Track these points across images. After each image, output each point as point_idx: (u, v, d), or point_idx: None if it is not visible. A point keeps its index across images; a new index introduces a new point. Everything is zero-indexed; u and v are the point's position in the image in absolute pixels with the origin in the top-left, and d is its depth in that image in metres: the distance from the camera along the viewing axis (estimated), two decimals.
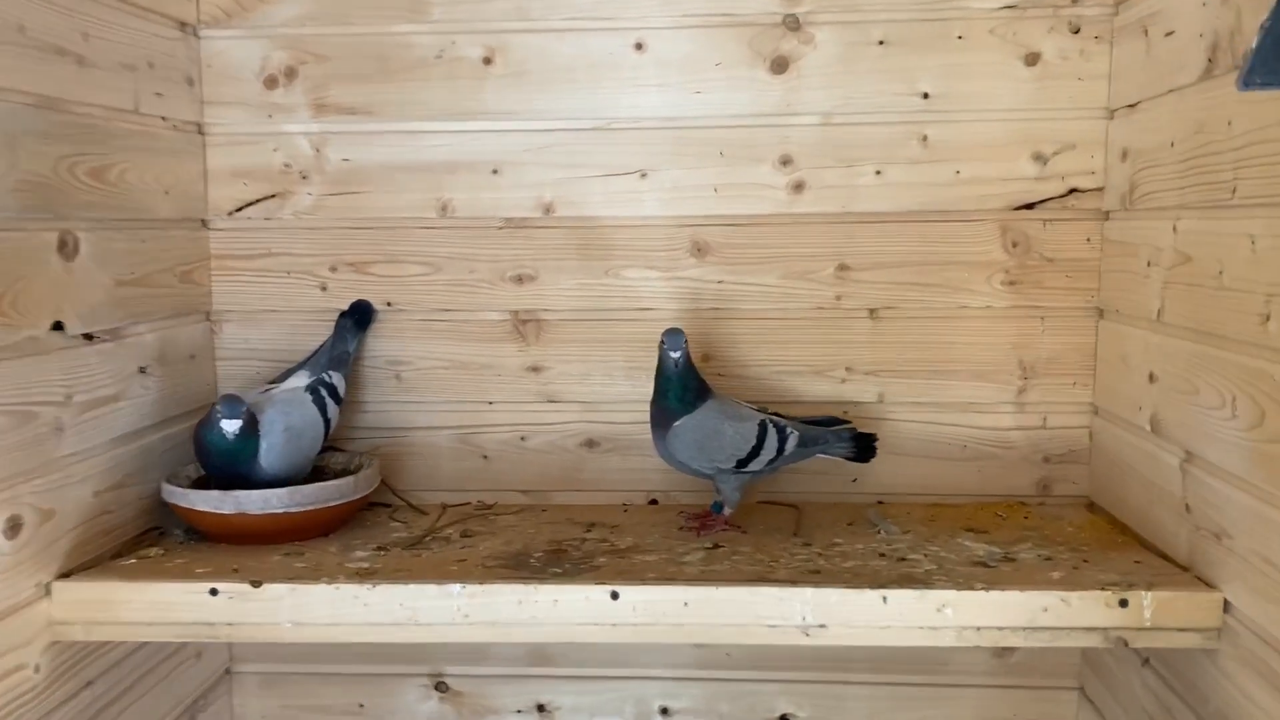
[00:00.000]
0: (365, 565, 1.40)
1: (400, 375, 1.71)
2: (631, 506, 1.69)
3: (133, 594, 1.32)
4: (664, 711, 1.74)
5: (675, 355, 1.47)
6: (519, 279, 1.68)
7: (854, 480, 1.68)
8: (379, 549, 1.48)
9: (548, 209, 1.66)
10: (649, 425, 1.55)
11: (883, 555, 1.41)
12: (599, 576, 1.32)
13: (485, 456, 1.71)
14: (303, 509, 1.47)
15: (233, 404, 1.47)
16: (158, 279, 1.56)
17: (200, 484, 1.55)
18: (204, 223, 1.70)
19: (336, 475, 1.63)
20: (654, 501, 1.70)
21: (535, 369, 1.68)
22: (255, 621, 1.31)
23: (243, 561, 1.41)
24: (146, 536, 1.52)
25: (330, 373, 1.64)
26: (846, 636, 1.26)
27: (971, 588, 1.26)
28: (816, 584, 1.27)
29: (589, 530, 1.56)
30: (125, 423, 1.48)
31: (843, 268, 1.64)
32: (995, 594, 1.24)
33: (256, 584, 1.31)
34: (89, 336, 1.40)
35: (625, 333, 1.67)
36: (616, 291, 1.67)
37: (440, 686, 1.76)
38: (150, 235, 1.54)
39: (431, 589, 1.30)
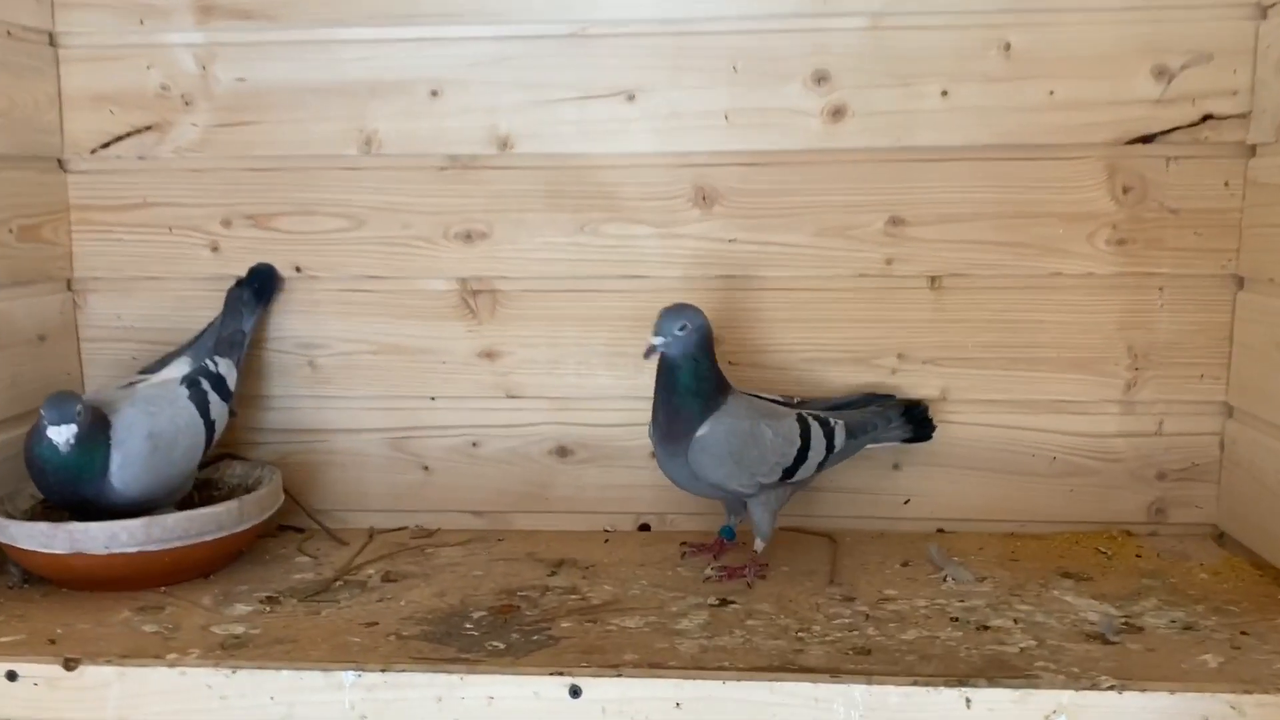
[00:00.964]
0: (238, 630, 1.01)
1: (315, 362, 1.32)
2: (615, 534, 1.30)
3: None
4: None
5: (680, 337, 1.09)
6: (468, 236, 1.28)
7: (906, 502, 1.28)
8: (268, 600, 1.09)
9: (504, 143, 1.26)
10: (645, 432, 1.16)
11: (955, 620, 1.02)
12: (557, 656, 0.94)
13: (426, 468, 1.32)
14: (165, 547, 1.08)
15: (62, 404, 1.08)
16: None
17: (47, 509, 1.17)
18: (60, 163, 1.30)
19: (228, 495, 1.25)
20: (645, 527, 1.31)
21: (490, 354, 1.29)
22: (69, 719, 0.93)
23: (76, 620, 1.03)
24: None
25: (217, 359, 1.24)
26: None
27: (1094, 683, 0.86)
28: (867, 675, 0.88)
29: (555, 572, 1.17)
30: None
31: (895, 221, 1.23)
32: (1133, 696, 0.85)
33: (71, 664, 0.93)
34: None
35: (607, 307, 1.28)
36: (595, 253, 1.27)
37: None
38: None
39: (315, 678, 0.91)
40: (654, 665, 0.91)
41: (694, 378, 1.09)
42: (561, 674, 0.89)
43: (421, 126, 1.26)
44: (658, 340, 1.09)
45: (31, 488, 1.18)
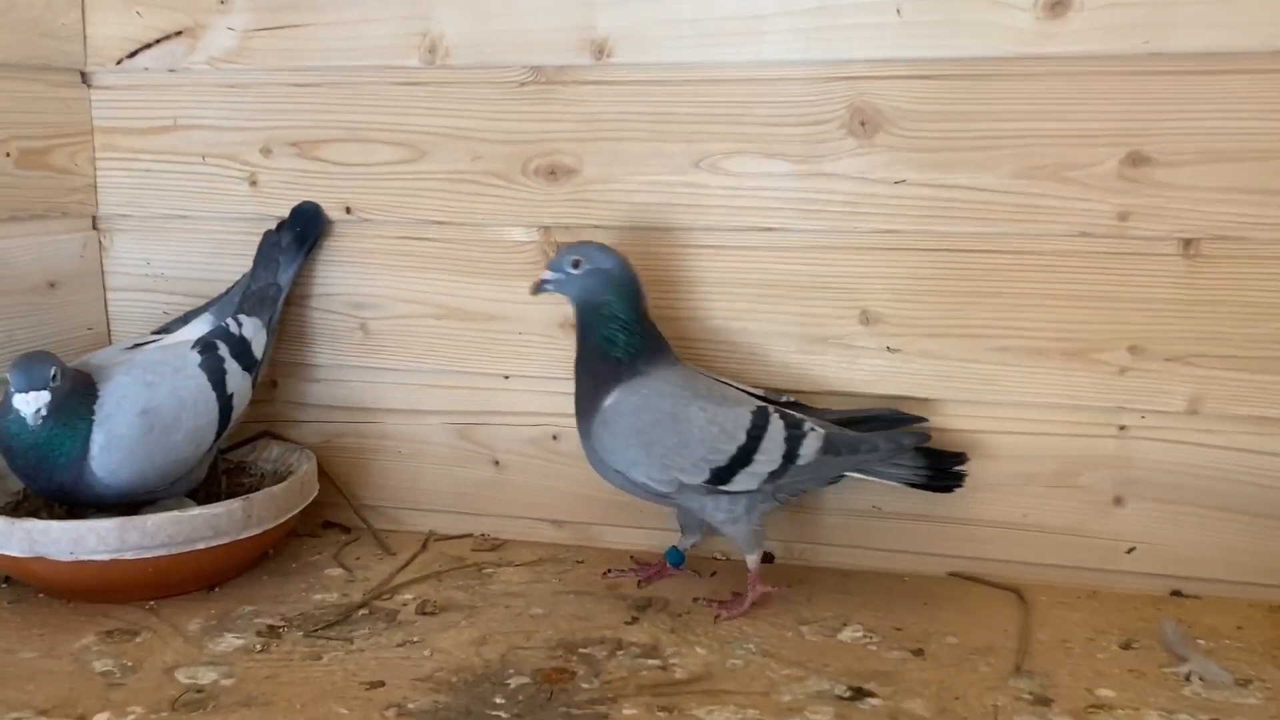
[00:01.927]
0: (206, 680, 0.77)
1: (367, 326, 1.07)
2: (727, 562, 1.00)
3: None
4: None
5: (574, 276, 0.88)
6: (551, 172, 0.99)
7: (1130, 550, 0.93)
8: (268, 630, 0.85)
9: (600, 50, 0.96)
10: None
11: None
12: None
13: (496, 463, 1.05)
14: (144, 555, 0.85)
15: (34, 367, 0.86)
16: None
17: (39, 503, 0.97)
18: (83, 76, 1.08)
19: (258, 483, 1.02)
20: (768, 557, 1.01)
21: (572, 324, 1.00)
22: None
23: (21, 648, 0.82)
24: None
25: (241, 318, 1.00)
26: None
27: None
28: None
29: (636, 618, 0.88)
30: None
31: (1136, 160, 0.87)
32: None
33: None
34: None
35: (727, 269, 0.97)
36: (715, 196, 0.96)
37: None
38: None
39: None
40: None
41: (603, 333, 0.88)
42: None
43: (497, 29, 0.98)
44: (545, 275, 0.89)
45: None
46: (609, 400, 0.88)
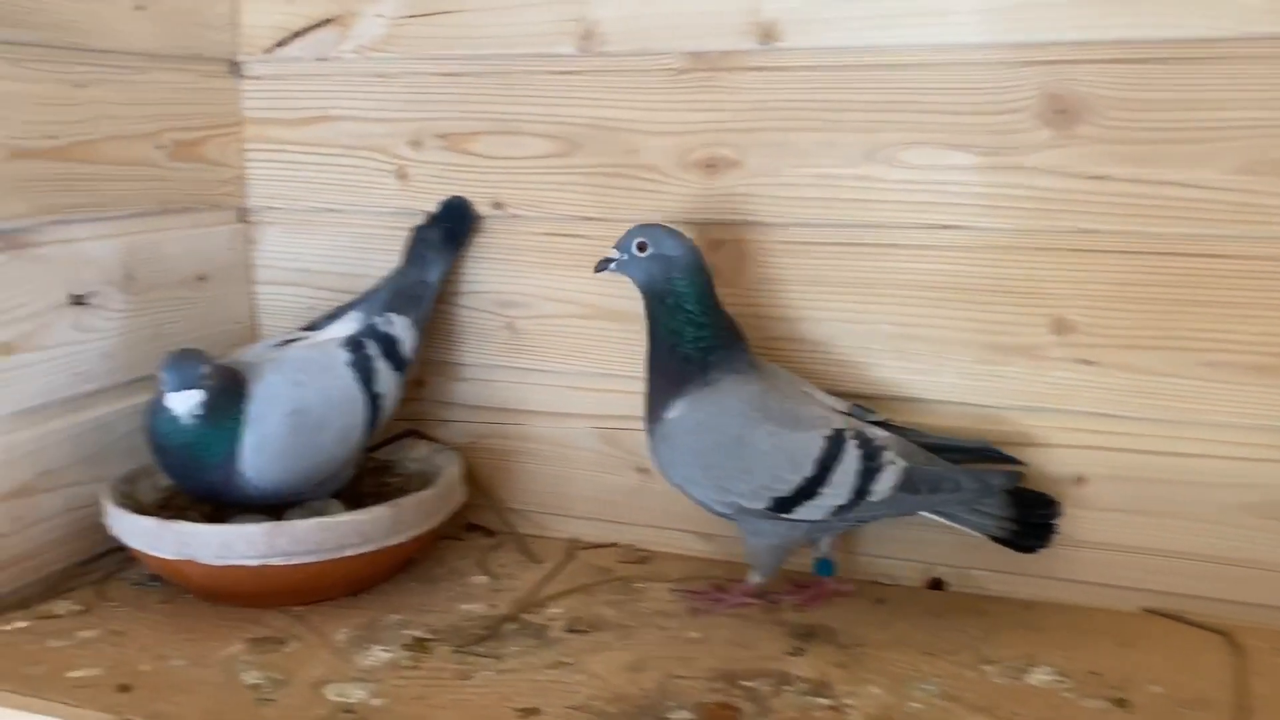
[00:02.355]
0: (359, 695, 0.74)
1: (515, 325, 1.03)
2: (895, 593, 0.93)
3: None
4: None
5: (639, 259, 0.84)
6: (711, 165, 0.93)
7: None
8: (416, 643, 0.82)
9: (768, 34, 0.90)
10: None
11: None
12: None
13: (643, 470, 1.00)
14: (292, 561, 0.83)
15: (185, 365, 0.84)
16: (118, 150, 0.95)
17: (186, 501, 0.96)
18: (233, 65, 1.07)
19: (404, 485, 0.99)
20: (937, 584, 0.94)
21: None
22: None
23: (173, 652, 0.80)
24: (95, 567, 0.94)
25: (390, 316, 0.97)
26: None
27: None
28: None
29: (800, 649, 0.82)
30: (35, 388, 0.89)
31: None
32: None
33: None
34: None
35: (901, 270, 0.90)
36: (891, 191, 0.89)
37: None
38: (101, 75, 0.93)
39: None
40: None
41: (669, 325, 0.83)
42: None
43: (656, 13, 0.93)
44: (610, 254, 0.85)
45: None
46: (673, 412, 0.83)
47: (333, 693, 0.75)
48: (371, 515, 0.86)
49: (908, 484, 0.82)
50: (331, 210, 1.07)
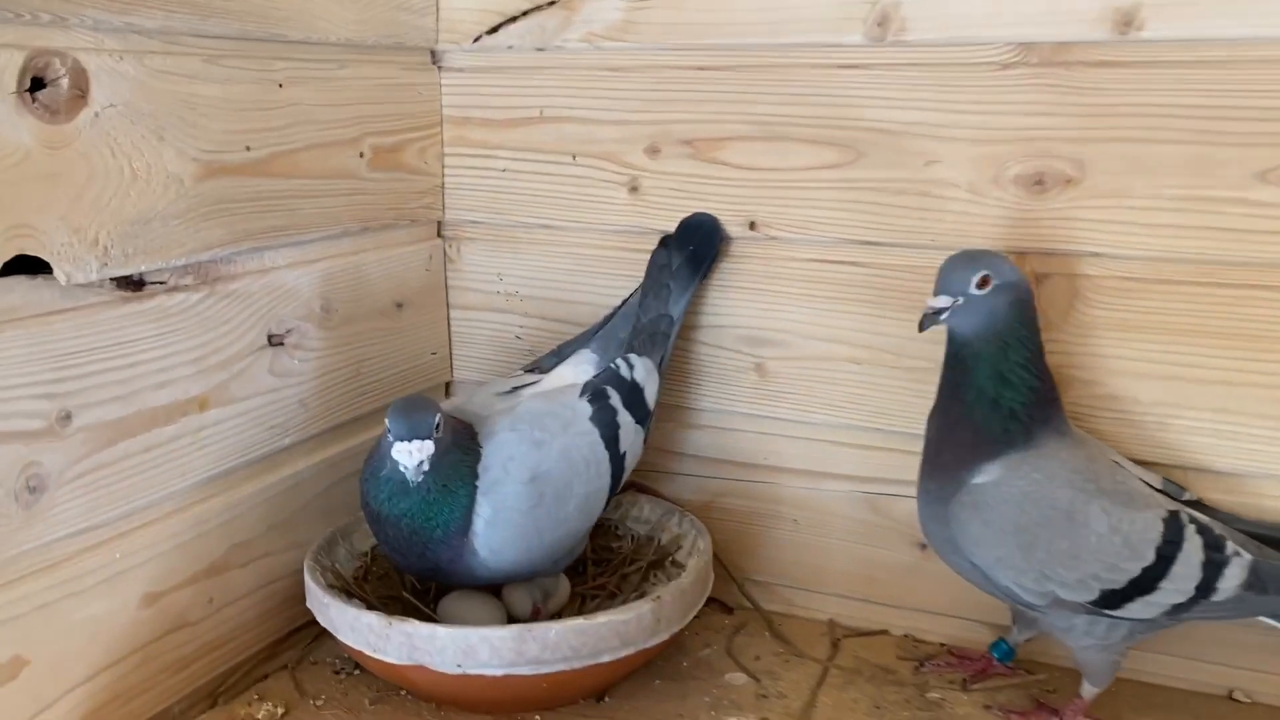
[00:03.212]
0: None
1: (765, 367, 0.87)
2: (1262, 708, 0.75)
3: None
4: None
5: (976, 298, 0.68)
6: (1038, 182, 0.76)
7: None
8: None
9: (1127, 21, 0.72)
10: None
11: None
12: None
13: (923, 546, 0.83)
14: (542, 671, 0.68)
15: (414, 414, 0.69)
16: (318, 161, 0.80)
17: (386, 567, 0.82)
18: (433, 55, 0.92)
19: (633, 553, 0.84)
20: (1233, 697, 0.76)
21: (1059, 381, 0.76)
22: None
23: None
24: (285, 647, 0.81)
25: (633, 358, 0.82)
26: None
27: None
28: None
29: None
30: (226, 449, 0.75)
31: None
32: None
33: None
34: (131, 282, 0.66)
35: (1273, 319, 0.71)
36: (1275, 221, 0.70)
37: None
38: (301, 72, 0.78)
39: None
40: None
41: (995, 374, 0.69)
42: None
43: None
44: (938, 302, 0.68)
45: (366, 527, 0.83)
46: (985, 476, 0.68)
47: None
48: (633, 614, 0.71)
49: (1256, 581, 0.67)
50: (546, 227, 0.92)
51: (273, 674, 0.79)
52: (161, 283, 0.69)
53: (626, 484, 0.91)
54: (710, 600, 0.89)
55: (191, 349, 0.71)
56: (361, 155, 0.85)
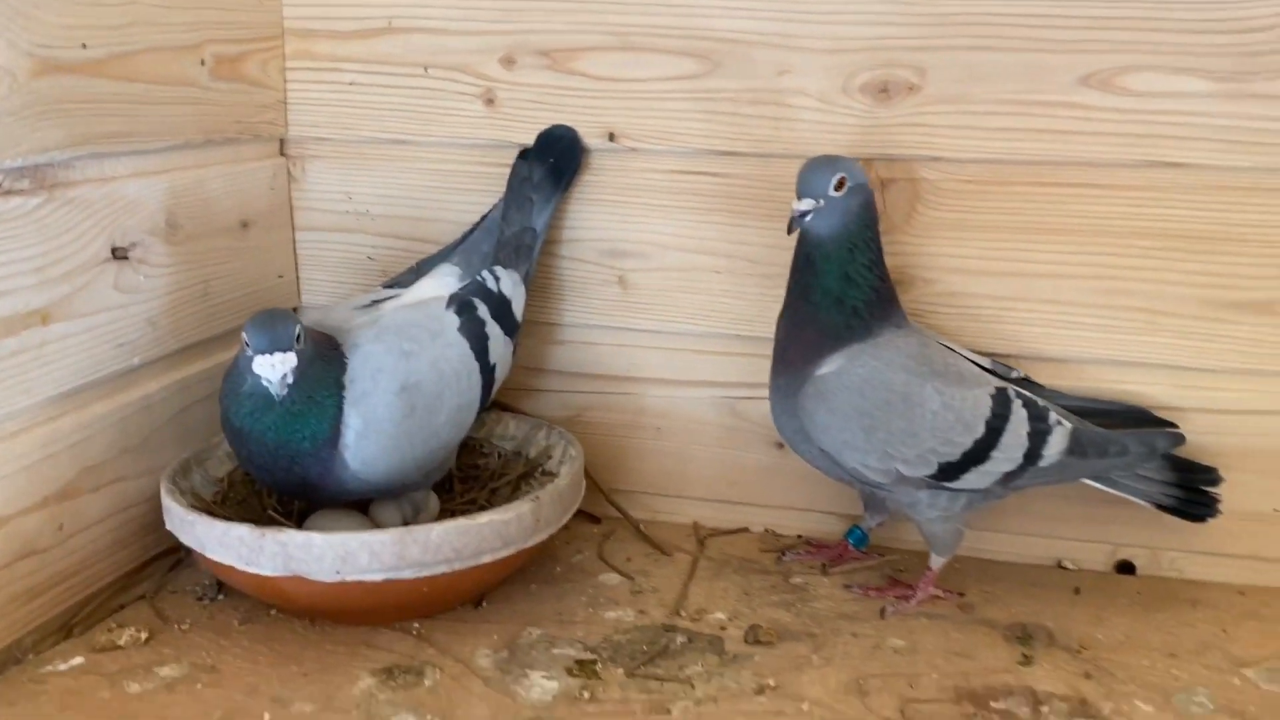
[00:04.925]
0: None
1: (627, 279, 0.88)
2: (1083, 577, 0.83)
3: None
4: None
5: (836, 200, 0.71)
6: (883, 89, 0.80)
7: None
8: (578, 668, 0.68)
9: None
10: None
11: None
12: None
13: (781, 445, 0.87)
14: (423, 574, 0.68)
15: (276, 325, 0.68)
16: (158, 65, 0.76)
17: (243, 484, 0.79)
18: None
19: (501, 463, 0.85)
20: (1126, 566, 0.83)
21: (900, 281, 0.81)
22: None
23: (293, 695, 0.64)
24: (141, 576, 0.78)
25: (498, 270, 0.82)
26: None
27: None
28: None
29: (1027, 657, 0.71)
30: (75, 366, 0.71)
31: None
32: None
33: None
34: None
35: (1111, 214, 0.79)
36: (1104, 121, 0.77)
37: None
38: None
39: None
40: None
41: (842, 278, 0.73)
42: None
43: None
44: (803, 205, 0.71)
45: (225, 448, 0.80)
46: (828, 367, 0.72)
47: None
48: (516, 514, 0.71)
49: (1076, 447, 0.74)
50: (398, 142, 0.90)
51: (130, 604, 0.76)
52: None
53: (490, 403, 0.91)
54: (579, 512, 0.91)
55: (31, 258, 0.67)
56: (203, 63, 0.81)
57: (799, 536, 0.88)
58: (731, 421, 0.89)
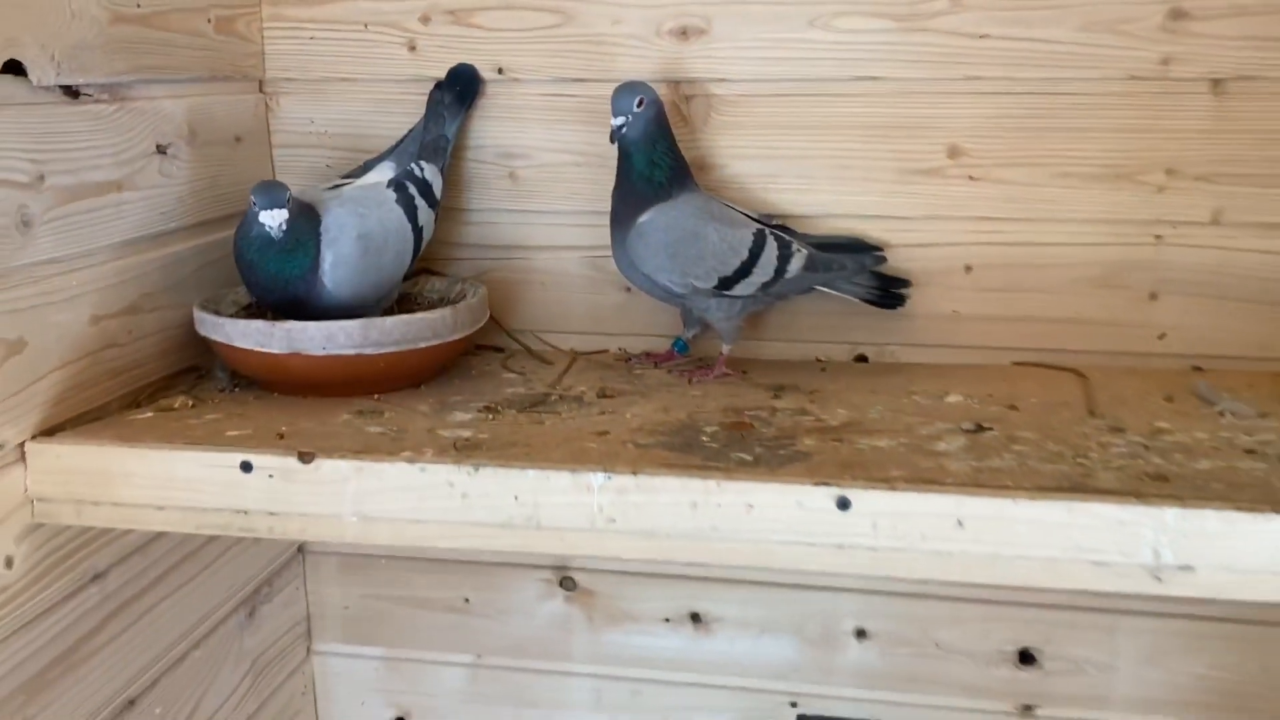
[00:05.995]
0: (467, 434, 0.96)
1: (516, 173, 1.24)
2: (831, 364, 1.21)
3: (136, 463, 0.92)
4: (860, 634, 1.30)
5: (638, 114, 1.07)
6: (683, 32, 1.17)
7: (1161, 337, 1.16)
8: (486, 409, 1.04)
9: None
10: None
11: (1251, 452, 0.91)
12: (814, 469, 0.86)
13: (628, 289, 1.24)
14: (382, 351, 1.04)
15: (272, 190, 1.02)
16: (181, 21, 1.10)
17: (252, 314, 1.13)
18: None
19: (430, 306, 1.20)
20: (862, 358, 1.22)
21: (700, 166, 1.19)
22: (307, 512, 0.90)
23: (296, 420, 0.99)
24: (177, 380, 1.11)
25: (422, 164, 1.17)
26: (1227, 587, 0.78)
27: None
28: (1178, 499, 0.78)
29: (778, 394, 1.09)
30: (137, 222, 1.05)
31: (1177, 14, 1.08)
32: None
33: (306, 457, 0.89)
34: (71, 91, 0.96)
35: (834, 114, 1.16)
36: (825, 51, 1.15)
37: (566, 583, 1.35)
38: None
39: (562, 478, 0.86)
40: (926, 479, 0.83)
41: (649, 162, 1.08)
42: (827, 484, 0.82)
43: None
44: (617, 121, 1.06)
45: (235, 293, 1.15)
46: (644, 218, 1.09)
47: (445, 433, 0.97)
48: (440, 314, 1.07)
49: (810, 265, 1.11)
50: (347, 80, 1.25)
51: (177, 391, 1.09)
52: (90, 95, 0.98)
53: (420, 269, 1.27)
54: (484, 346, 1.28)
55: (110, 145, 1.01)
56: (209, 21, 1.15)
57: (642, 351, 1.26)
58: (594, 274, 1.26)
